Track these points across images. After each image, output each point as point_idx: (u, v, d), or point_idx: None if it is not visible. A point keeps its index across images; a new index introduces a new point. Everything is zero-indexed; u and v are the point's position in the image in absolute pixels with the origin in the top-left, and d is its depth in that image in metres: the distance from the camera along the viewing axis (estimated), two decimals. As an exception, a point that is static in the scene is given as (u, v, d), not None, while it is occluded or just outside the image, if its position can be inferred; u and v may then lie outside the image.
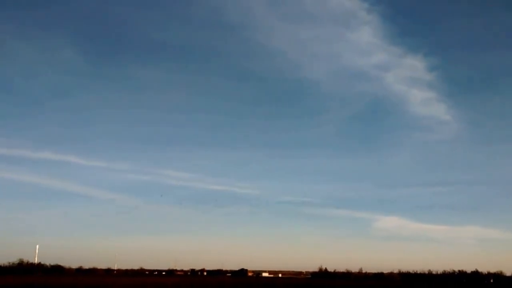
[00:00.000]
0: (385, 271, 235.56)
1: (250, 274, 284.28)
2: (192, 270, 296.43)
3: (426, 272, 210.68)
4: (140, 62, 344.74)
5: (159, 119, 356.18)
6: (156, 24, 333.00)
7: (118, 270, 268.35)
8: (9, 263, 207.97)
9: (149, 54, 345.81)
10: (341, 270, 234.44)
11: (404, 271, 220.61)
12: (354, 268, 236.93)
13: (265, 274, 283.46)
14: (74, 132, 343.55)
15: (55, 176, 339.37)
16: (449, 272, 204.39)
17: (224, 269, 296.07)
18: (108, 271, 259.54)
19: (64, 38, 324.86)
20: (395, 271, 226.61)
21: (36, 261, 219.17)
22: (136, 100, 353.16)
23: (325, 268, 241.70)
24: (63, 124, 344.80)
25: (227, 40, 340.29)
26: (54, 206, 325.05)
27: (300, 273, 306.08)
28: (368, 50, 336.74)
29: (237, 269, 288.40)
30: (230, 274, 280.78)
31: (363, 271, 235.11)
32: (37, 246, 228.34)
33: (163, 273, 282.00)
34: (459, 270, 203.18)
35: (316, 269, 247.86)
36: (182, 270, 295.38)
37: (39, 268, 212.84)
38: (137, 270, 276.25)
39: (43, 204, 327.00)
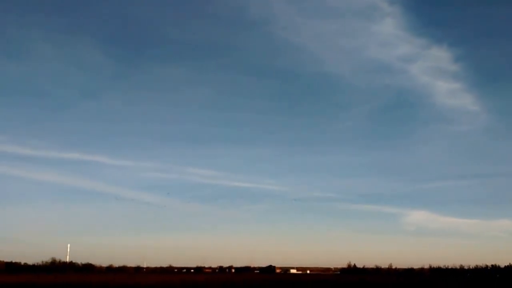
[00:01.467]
0: (415, 267, 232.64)
1: (278, 271, 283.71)
2: (220, 267, 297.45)
3: (458, 267, 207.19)
4: (164, 62, 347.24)
5: (184, 117, 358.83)
6: (178, 23, 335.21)
7: (148, 268, 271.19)
8: (42, 262, 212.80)
9: (173, 54, 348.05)
10: (370, 266, 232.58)
11: (434, 266, 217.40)
12: (384, 264, 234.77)
13: (293, 271, 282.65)
14: (101, 133, 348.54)
15: (84, 176, 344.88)
16: (482, 267, 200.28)
17: (252, 266, 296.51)
18: (138, 269, 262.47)
19: (89, 41, 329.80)
20: (426, 266, 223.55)
21: (67, 260, 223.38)
22: (161, 99, 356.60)
23: (354, 264, 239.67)
24: (91, 125, 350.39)
25: (249, 37, 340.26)
26: (84, 206, 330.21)
27: (328, 269, 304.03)
28: (392, 42, 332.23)
29: (265, 266, 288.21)
30: (258, 271, 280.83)
31: (393, 267, 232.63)
32: (69, 246, 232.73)
33: (192, 270, 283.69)
34: (492, 265, 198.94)
35: (344, 265, 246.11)
36: (210, 268, 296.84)
37: (71, 267, 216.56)
38: (166, 267, 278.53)
39: (73, 204, 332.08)
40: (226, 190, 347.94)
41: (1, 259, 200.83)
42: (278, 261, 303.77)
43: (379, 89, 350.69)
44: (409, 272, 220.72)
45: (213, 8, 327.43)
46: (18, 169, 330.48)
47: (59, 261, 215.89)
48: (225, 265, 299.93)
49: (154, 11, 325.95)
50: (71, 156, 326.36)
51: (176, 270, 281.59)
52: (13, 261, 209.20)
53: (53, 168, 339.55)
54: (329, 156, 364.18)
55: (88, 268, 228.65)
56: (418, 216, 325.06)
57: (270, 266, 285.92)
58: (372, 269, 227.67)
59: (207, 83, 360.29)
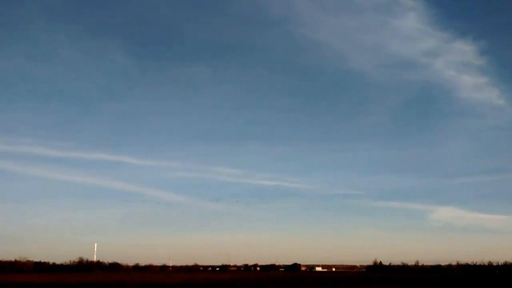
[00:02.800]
0: (442, 263, 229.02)
1: (303, 268, 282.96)
2: (245, 266, 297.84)
3: (486, 264, 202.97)
4: (186, 61, 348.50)
5: (207, 116, 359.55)
6: (200, 22, 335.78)
7: (173, 267, 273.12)
8: (70, 261, 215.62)
9: (195, 52, 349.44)
10: (397, 263, 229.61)
11: (462, 263, 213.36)
12: (410, 261, 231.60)
13: (318, 269, 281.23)
14: (126, 133, 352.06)
15: (110, 176, 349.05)
16: (511, 263, 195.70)
17: (277, 264, 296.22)
18: (164, 267, 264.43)
19: (112, 43, 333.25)
20: (453, 263, 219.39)
21: (95, 259, 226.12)
22: (184, 98, 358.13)
23: (380, 261, 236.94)
24: (116, 126, 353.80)
25: (271, 35, 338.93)
26: (110, 205, 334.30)
27: (354, 267, 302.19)
28: (415, 37, 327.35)
29: (290, 264, 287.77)
30: (283, 269, 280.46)
31: (420, 264, 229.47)
32: (96, 245, 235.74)
33: (217, 269, 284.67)
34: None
35: (370, 263, 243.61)
36: (235, 266, 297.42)
37: (98, 266, 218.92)
38: (192, 266, 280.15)
39: (99, 204, 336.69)
40: (250, 188, 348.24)
41: (30, 259, 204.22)
42: (303, 259, 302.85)
43: (402, 84, 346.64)
44: (437, 269, 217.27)
45: (234, 7, 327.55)
46: (45, 170, 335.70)
47: (87, 261, 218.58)
48: (250, 263, 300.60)
49: (175, 11, 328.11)
50: (97, 156, 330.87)
51: (201, 268, 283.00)
52: (42, 261, 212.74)
53: (80, 169, 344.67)
54: (353, 153, 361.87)
55: (115, 267, 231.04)
56: (445, 212, 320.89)
57: (295, 264, 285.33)
58: (398, 266, 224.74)
59: (229, 81, 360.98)
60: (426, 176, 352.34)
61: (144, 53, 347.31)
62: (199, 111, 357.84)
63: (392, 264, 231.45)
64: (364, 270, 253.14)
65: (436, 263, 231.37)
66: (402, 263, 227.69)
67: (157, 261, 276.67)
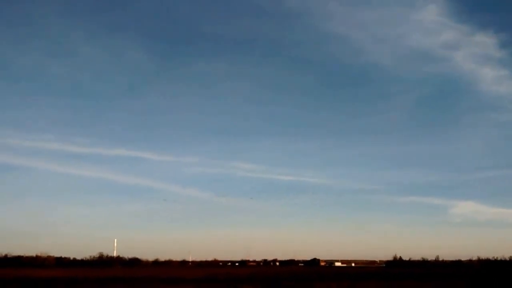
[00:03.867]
0: (463, 259, 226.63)
1: (322, 263, 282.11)
2: (265, 261, 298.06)
3: (507, 259, 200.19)
4: (203, 57, 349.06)
5: (225, 111, 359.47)
6: (217, 18, 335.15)
7: (193, 262, 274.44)
8: (90, 256, 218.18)
9: (213, 48, 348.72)
10: (417, 258, 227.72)
11: (483, 258, 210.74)
12: (431, 256, 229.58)
13: (338, 264, 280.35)
14: (145, 129, 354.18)
15: (130, 172, 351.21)
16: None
17: (296, 259, 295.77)
18: (183, 262, 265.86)
19: (130, 39, 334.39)
20: (474, 258, 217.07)
21: (115, 254, 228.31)
22: (202, 94, 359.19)
23: (400, 256, 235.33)
24: (135, 122, 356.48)
25: (289, 29, 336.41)
26: (129, 201, 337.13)
27: (373, 262, 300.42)
28: (435, 30, 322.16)
29: (309, 259, 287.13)
30: (302, 264, 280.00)
31: (440, 259, 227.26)
32: (115, 240, 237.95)
33: (236, 264, 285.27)
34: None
35: (390, 258, 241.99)
36: (254, 261, 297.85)
37: (118, 261, 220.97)
38: (211, 261, 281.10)
39: (119, 199, 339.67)
40: (269, 184, 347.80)
41: (51, 254, 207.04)
42: (323, 254, 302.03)
43: (422, 78, 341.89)
44: (457, 264, 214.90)
45: (251, 1, 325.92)
46: (65, 166, 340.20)
47: (107, 256, 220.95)
48: (270, 258, 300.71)
49: (192, 7, 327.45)
50: (116, 152, 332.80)
51: (220, 263, 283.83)
52: (63, 256, 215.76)
53: (99, 165, 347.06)
54: (373, 147, 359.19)
55: (135, 262, 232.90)
56: (465, 207, 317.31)
57: (315, 259, 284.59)
58: (418, 261, 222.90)
59: (247, 76, 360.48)
60: (446, 170, 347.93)
61: (162, 50, 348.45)
62: (217, 107, 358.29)
63: (412, 259, 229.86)
64: (384, 265, 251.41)
65: (457, 258, 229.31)
66: (422, 258, 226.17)
67: (177, 256, 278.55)
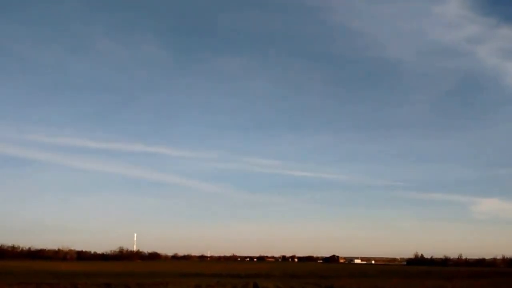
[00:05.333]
0: (487, 257, 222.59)
1: (341, 260, 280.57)
2: (283, 257, 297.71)
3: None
4: (221, 52, 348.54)
5: (243, 107, 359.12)
6: (236, 13, 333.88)
7: (211, 257, 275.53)
8: (111, 251, 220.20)
9: (230, 44, 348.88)
10: (439, 257, 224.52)
11: (508, 257, 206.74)
12: (453, 254, 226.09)
13: (357, 261, 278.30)
14: (163, 124, 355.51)
15: (149, 167, 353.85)
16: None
17: (315, 255, 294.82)
18: (202, 257, 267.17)
19: (149, 35, 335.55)
20: (498, 256, 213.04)
21: (134, 249, 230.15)
22: (220, 89, 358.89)
23: (421, 254, 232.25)
24: (153, 117, 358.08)
25: (307, 24, 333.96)
26: (149, 196, 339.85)
27: (394, 259, 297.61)
28: (457, 23, 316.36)
29: (328, 255, 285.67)
30: (321, 261, 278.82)
31: (463, 257, 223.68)
32: (135, 235, 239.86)
33: (255, 259, 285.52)
34: None
35: (411, 256, 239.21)
36: (273, 257, 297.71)
37: (138, 255, 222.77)
38: (229, 256, 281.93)
39: (139, 194, 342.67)
40: (288, 179, 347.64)
41: (73, 248, 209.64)
42: (342, 251, 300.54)
43: (444, 72, 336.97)
44: (481, 263, 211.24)
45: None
46: (85, 161, 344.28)
47: (127, 250, 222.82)
48: (288, 254, 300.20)
49: (211, 2, 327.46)
50: (135, 148, 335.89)
51: (239, 259, 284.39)
52: (83, 250, 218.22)
53: (119, 160, 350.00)
54: (393, 143, 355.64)
55: (154, 256, 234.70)
56: (489, 204, 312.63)
57: (334, 255, 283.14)
58: (440, 259, 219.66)
59: (265, 71, 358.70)
60: (469, 166, 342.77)
61: (180, 45, 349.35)
62: (236, 102, 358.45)
63: (433, 257, 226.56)
64: (405, 263, 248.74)
65: (480, 257, 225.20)
66: (444, 256, 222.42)
67: (195, 251, 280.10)
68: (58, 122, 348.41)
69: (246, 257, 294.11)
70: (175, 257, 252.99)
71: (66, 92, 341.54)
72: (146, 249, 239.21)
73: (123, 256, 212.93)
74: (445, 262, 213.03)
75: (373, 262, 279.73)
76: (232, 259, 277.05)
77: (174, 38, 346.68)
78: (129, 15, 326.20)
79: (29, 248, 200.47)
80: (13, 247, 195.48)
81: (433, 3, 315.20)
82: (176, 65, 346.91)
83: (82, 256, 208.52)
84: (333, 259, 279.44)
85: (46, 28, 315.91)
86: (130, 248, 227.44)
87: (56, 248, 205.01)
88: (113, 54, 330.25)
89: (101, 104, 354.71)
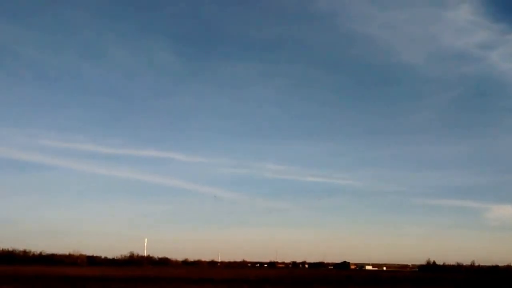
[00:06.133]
0: (500, 264, 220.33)
1: (352, 267, 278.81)
2: (294, 263, 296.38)
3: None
4: (232, 58, 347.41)
5: (254, 112, 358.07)
6: (245, 19, 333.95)
7: (222, 263, 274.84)
8: (121, 256, 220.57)
9: (241, 50, 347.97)
10: (451, 263, 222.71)
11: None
12: (466, 261, 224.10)
13: (368, 267, 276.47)
14: (175, 130, 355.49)
15: (160, 173, 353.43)
16: None
17: (326, 262, 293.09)
18: (212, 263, 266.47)
19: (160, 41, 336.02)
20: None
21: (145, 254, 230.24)
22: (231, 95, 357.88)
23: (433, 261, 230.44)
24: (164, 123, 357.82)
25: (318, 30, 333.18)
26: (159, 201, 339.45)
27: (406, 266, 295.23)
28: (469, 29, 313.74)
29: (339, 262, 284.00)
30: (332, 267, 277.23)
31: (476, 264, 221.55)
32: (146, 240, 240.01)
33: (265, 265, 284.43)
34: None
35: (423, 262, 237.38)
36: (283, 263, 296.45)
37: (148, 261, 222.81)
38: (240, 262, 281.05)
39: (149, 199, 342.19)
40: (299, 185, 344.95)
41: (83, 253, 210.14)
42: (353, 257, 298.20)
43: (456, 78, 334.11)
44: (494, 270, 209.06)
45: (278, 2, 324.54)
46: (96, 166, 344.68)
47: (137, 255, 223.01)
48: (298, 260, 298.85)
49: (221, 8, 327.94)
50: (147, 153, 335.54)
51: (249, 264, 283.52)
52: (94, 255, 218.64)
53: (130, 165, 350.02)
54: (405, 149, 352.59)
55: (165, 262, 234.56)
56: (503, 211, 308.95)
57: (345, 262, 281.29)
58: (453, 266, 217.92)
59: (276, 77, 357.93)
60: (482, 173, 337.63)
61: (191, 51, 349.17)
62: (246, 108, 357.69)
63: (446, 264, 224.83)
64: (417, 269, 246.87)
65: (494, 264, 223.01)
66: (457, 263, 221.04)
67: (206, 257, 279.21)
68: (70, 127, 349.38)
69: (256, 263, 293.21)
70: (185, 263, 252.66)
71: (78, 98, 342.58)
72: (157, 254, 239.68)
73: (134, 261, 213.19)
74: (457, 269, 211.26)
75: (384, 268, 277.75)
76: (243, 264, 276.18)
77: (185, 44, 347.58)
78: (141, 21, 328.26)
79: (40, 253, 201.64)
80: (24, 252, 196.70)
81: (445, 9, 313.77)
82: (187, 71, 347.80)
83: (93, 260, 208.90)
84: (344, 265, 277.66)
85: (58, 34, 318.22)
86: (140, 253, 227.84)
87: (67, 253, 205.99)
88: (124, 60, 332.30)
89: (112, 109, 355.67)
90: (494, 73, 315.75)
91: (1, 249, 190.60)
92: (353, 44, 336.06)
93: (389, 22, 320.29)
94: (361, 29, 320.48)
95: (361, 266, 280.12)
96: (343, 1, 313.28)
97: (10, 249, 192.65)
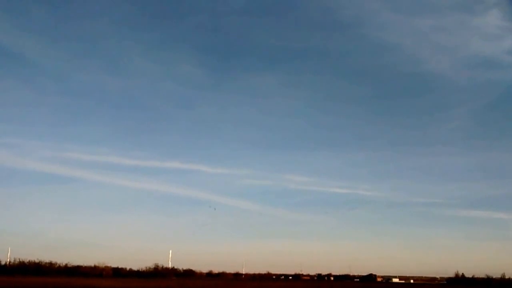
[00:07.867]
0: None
1: (379, 279, 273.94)
2: (319, 275, 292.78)
3: None
4: (256, 69, 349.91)
5: (278, 124, 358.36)
6: (269, 30, 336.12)
7: (246, 275, 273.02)
8: (146, 267, 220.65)
9: (264, 60, 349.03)
10: (480, 276, 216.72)
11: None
12: (495, 274, 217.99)
13: (395, 280, 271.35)
14: (198, 141, 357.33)
15: (185, 185, 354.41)
16: None
17: (351, 274, 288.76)
18: (237, 275, 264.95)
19: (183, 53, 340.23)
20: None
21: (170, 265, 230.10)
22: (254, 106, 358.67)
23: (462, 273, 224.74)
24: (189, 134, 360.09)
25: (342, 39, 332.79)
26: (184, 213, 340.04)
27: (434, 279, 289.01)
28: (498, 35, 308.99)
29: (365, 274, 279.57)
30: (358, 280, 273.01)
31: (506, 277, 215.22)
32: (170, 252, 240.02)
33: (290, 277, 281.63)
34: None
35: (452, 275, 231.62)
36: (308, 275, 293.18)
37: (173, 272, 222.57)
38: (264, 274, 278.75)
39: (174, 211, 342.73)
40: (324, 196, 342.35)
41: (108, 265, 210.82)
42: (379, 270, 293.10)
43: (484, 85, 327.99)
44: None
45: (303, 12, 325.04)
46: (121, 179, 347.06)
47: (162, 267, 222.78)
48: (324, 272, 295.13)
49: (245, 19, 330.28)
50: (171, 165, 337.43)
51: (274, 277, 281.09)
52: (119, 267, 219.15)
53: (155, 177, 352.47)
54: (431, 159, 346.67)
55: (189, 273, 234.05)
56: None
57: (371, 274, 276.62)
58: (482, 279, 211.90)
59: (300, 88, 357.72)
60: (510, 183, 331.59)
61: (215, 62, 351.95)
62: (270, 119, 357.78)
63: (475, 276, 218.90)
64: (445, 282, 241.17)
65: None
66: (487, 275, 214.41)
67: (230, 269, 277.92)
68: (95, 140, 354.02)
69: (281, 275, 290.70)
70: (210, 274, 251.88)
71: (103, 110, 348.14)
72: (181, 266, 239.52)
73: (159, 273, 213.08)
74: (487, 281, 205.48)
75: (411, 281, 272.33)
76: (267, 276, 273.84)
77: (209, 56, 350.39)
78: (165, 33, 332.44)
79: (66, 264, 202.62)
80: (50, 263, 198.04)
81: (472, 15, 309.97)
82: (211, 82, 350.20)
83: (118, 272, 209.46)
84: (370, 278, 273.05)
85: (82, 46, 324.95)
86: (165, 265, 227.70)
87: (93, 265, 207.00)
88: (149, 71, 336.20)
89: (137, 121, 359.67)
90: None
91: (28, 260, 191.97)
92: (378, 53, 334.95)
93: (414, 30, 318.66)
94: (386, 37, 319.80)
95: (387, 279, 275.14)
96: (367, 10, 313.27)
97: (37, 260, 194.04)
